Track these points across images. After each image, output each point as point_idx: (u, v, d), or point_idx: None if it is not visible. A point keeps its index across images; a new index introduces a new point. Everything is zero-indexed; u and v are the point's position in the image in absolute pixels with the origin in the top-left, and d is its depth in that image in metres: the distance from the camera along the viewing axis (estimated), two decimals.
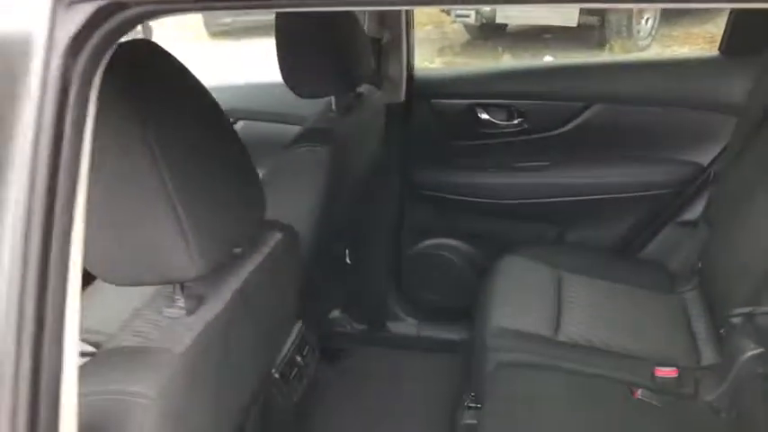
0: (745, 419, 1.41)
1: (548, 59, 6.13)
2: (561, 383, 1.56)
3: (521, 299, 1.82)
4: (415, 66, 2.18)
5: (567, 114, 2.06)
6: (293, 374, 1.51)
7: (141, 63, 0.82)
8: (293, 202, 1.54)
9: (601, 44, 6.53)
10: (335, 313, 2.39)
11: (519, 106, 2.09)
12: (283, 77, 1.59)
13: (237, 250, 1.02)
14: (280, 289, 1.14)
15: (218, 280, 0.96)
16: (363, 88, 1.86)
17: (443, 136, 2.17)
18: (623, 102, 2.02)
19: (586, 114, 2.04)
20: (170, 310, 0.89)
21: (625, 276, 1.94)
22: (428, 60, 6.61)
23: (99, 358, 0.85)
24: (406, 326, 2.35)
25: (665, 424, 1.46)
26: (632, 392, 1.52)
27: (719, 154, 1.96)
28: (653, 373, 1.57)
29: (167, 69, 0.88)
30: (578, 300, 1.84)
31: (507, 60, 6.54)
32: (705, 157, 1.99)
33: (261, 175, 1.58)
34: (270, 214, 1.55)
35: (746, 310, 1.48)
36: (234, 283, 0.97)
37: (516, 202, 2.16)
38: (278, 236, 1.12)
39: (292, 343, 1.55)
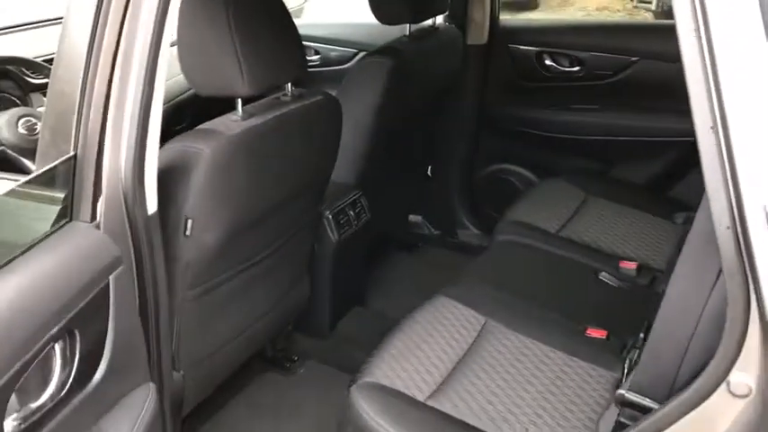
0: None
1: None
2: (539, 259, 2.00)
3: (541, 206, 2.25)
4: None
5: (617, 66, 2.43)
6: (343, 220, 2.10)
7: None
8: (359, 96, 2.11)
9: None
10: (417, 218, 2.93)
11: (578, 56, 2.49)
12: (369, 3, 2.15)
13: (284, 97, 1.60)
14: (312, 136, 1.69)
15: (266, 109, 1.55)
16: (441, 26, 2.37)
17: (515, 76, 2.62)
18: (664, 59, 2.35)
19: (633, 68, 2.40)
20: (233, 116, 1.49)
21: (644, 206, 2.29)
22: None
23: (187, 132, 1.47)
24: (472, 235, 2.83)
25: (612, 295, 1.86)
26: (596, 274, 1.93)
27: None
28: (618, 265, 1.96)
29: None
30: (591, 214, 2.23)
31: None
32: None
33: None
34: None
35: (683, 214, 1.82)
36: (275, 113, 1.55)
37: (570, 136, 2.56)
38: (318, 97, 1.67)
39: (347, 200, 2.13)
